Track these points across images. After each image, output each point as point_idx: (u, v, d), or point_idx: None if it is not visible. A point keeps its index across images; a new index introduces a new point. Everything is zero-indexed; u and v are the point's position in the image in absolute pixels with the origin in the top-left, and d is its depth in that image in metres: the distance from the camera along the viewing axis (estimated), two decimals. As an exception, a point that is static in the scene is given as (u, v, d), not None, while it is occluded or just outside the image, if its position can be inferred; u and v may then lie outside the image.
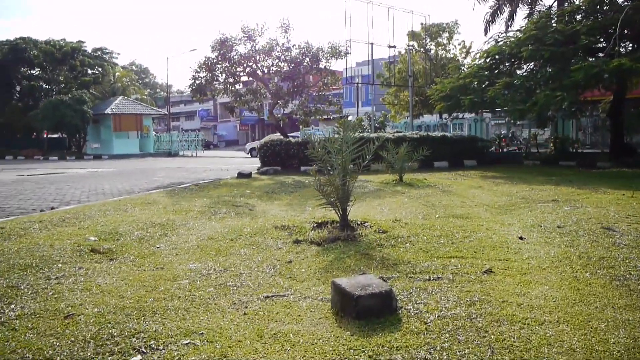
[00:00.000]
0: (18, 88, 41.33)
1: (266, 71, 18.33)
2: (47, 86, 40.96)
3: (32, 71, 42.11)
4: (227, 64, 17.65)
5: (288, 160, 17.32)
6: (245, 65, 17.96)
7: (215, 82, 18.32)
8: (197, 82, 17.89)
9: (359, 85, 32.72)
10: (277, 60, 17.99)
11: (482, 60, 18.76)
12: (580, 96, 16.72)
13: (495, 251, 5.13)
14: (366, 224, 6.57)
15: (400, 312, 3.44)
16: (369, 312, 3.28)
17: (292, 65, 17.62)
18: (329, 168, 6.48)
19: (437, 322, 3.25)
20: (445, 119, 24.80)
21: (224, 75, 18.12)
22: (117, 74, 47.11)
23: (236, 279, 4.40)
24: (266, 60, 18.08)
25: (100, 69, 46.04)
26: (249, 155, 34.09)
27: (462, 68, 22.14)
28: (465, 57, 29.73)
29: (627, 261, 4.62)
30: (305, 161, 17.68)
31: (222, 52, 17.28)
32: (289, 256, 5.15)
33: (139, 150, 38.92)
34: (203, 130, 69.22)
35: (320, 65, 17.89)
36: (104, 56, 53.84)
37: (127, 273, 4.63)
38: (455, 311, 3.44)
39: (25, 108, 38.85)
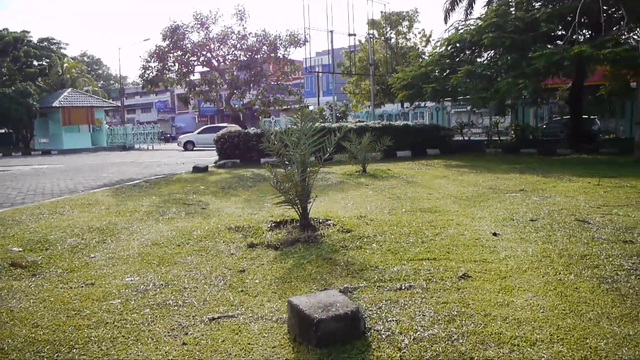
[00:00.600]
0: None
1: (222, 60, 17.50)
2: (-12, 78, 38.38)
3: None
4: (179, 52, 16.72)
5: (247, 152, 16.62)
6: (199, 54, 17.07)
7: (167, 72, 17.34)
8: (148, 72, 16.88)
9: (320, 74, 32.08)
10: (232, 49, 17.21)
11: (444, 48, 18.48)
12: (541, 83, 16.70)
13: (469, 250, 4.69)
14: (329, 222, 6.04)
15: (369, 334, 2.92)
16: (332, 338, 2.75)
17: (249, 54, 16.87)
18: (287, 162, 5.93)
19: (413, 347, 2.75)
20: (407, 108, 24.54)
21: (177, 64, 17.17)
22: (65, 65, 44.71)
23: (178, 295, 3.78)
24: (221, 49, 17.28)
25: (47, 60, 43.70)
26: (182, 149, 31.71)
27: (423, 56, 21.89)
28: (425, 46, 29.60)
29: (610, 259, 4.26)
30: (265, 153, 17.08)
31: (173, 40, 16.34)
32: (242, 264, 4.56)
33: (91, 144, 37.17)
34: (160, 123, 66.97)
35: (279, 54, 17.21)
36: (51, 47, 51.24)
37: (50, 292, 3.93)
38: (433, 330, 2.94)
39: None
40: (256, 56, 16.86)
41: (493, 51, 17.73)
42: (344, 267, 4.28)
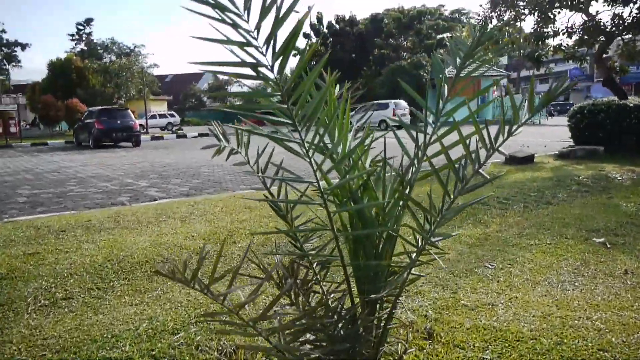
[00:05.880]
0: (371, 57, 43.72)
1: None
2: (394, 53, 41.64)
3: (388, 40, 43.74)
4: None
5: (619, 136, 10.66)
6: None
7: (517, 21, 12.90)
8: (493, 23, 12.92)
9: None
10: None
11: None
12: None
13: None
14: None
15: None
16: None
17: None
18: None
19: None
20: None
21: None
22: (464, 34, 43.98)
23: None
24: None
25: (448, 32, 44.11)
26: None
27: None
28: None
29: None
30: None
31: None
32: None
33: (476, 115, 35.21)
34: (575, 93, 58.97)
35: None
36: (461, 17, 51.83)
37: None
38: None
39: (374, 75, 40.61)
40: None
41: None
42: None
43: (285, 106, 1.40)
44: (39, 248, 4.22)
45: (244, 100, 1.58)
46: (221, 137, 1.80)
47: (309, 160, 1.51)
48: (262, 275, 1.58)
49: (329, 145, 1.63)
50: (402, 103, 28.55)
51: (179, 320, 2.82)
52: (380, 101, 28.76)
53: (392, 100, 28.70)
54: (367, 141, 1.82)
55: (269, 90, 1.41)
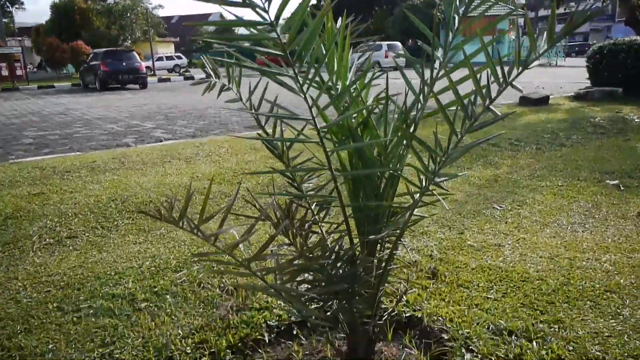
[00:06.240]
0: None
1: None
2: (407, -9, 39.97)
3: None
4: None
5: (639, 77, 10.27)
6: None
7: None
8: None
9: None
10: None
11: None
12: None
13: None
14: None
15: None
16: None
17: None
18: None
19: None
20: None
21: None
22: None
23: None
24: None
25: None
26: None
27: None
28: None
29: None
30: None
31: None
32: None
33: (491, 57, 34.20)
34: (594, 33, 56.85)
35: None
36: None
37: None
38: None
39: (385, 15, 39.24)
40: None
41: None
42: None
43: (276, 35, 1.29)
44: (44, 188, 4.22)
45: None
46: (211, 72, 1.69)
47: (303, 96, 1.41)
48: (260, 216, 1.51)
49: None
50: (398, 45, 27.42)
51: (181, 258, 2.83)
52: (373, 42, 27.43)
53: (386, 42, 27.47)
54: (368, 77, 1.70)
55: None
